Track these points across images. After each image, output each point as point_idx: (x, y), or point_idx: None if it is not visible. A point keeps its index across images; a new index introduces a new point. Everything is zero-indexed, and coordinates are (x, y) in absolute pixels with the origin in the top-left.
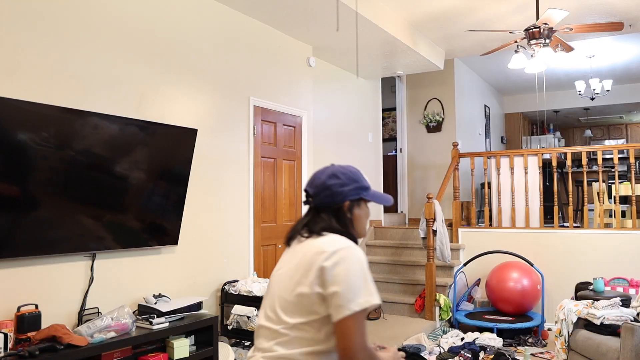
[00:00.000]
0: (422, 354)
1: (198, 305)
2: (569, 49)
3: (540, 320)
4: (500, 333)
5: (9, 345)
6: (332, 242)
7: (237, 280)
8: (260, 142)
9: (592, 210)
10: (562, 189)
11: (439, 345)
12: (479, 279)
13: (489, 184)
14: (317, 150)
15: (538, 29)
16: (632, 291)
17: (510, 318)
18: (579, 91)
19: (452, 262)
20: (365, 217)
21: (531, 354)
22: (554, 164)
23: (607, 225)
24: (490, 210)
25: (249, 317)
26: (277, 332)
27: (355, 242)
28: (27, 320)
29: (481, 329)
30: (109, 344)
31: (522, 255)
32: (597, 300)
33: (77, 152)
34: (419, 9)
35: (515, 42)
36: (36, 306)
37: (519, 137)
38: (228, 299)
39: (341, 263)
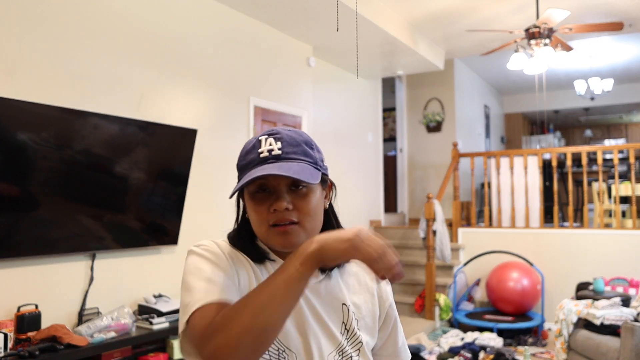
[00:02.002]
0: (422, 354)
1: None
2: (569, 48)
3: (540, 320)
4: (500, 333)
5: (9, 345)
6: None
7: None
8: None
9: (592, 210)
10: (562, 188)
11: (439, 345)
12: (479, 279)
13: (489, 183)
14: None
15: (538, 29)
16: (632, 291)
17: (510, 318)
18: (579, 92)
19: (452, 262)
20: (254, 212)
21: (531, 354)
22: (554, 164)
23: (607, 225)
24: (490, 210)
25: None
26: None
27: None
28: (27, 320)
29: (481, 329)
30: (109, 344)
31: (522, 255)
32: (597, 300)
33: (77, 152)
34: (419, 9)
35: (515, 42)
36: (36, 306)
37: (519, 137)
38: None
39: None
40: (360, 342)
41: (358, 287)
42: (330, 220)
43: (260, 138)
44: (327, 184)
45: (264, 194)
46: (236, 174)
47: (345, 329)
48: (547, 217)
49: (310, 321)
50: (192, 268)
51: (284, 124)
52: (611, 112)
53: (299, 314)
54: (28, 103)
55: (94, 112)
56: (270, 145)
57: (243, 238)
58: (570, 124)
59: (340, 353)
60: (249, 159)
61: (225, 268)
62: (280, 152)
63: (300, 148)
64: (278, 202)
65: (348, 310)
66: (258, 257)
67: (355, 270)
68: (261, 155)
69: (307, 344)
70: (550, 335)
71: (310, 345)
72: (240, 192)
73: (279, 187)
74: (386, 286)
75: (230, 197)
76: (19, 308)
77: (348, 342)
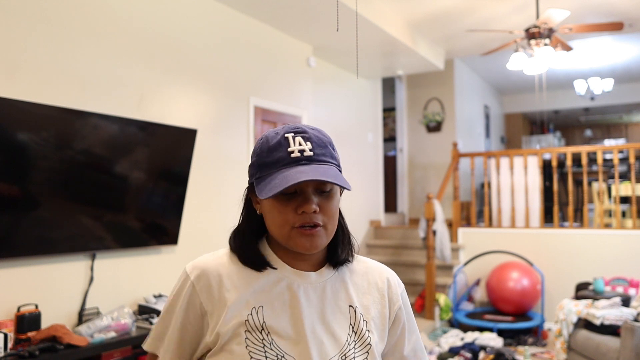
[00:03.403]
0: None
1: None
2: (569, 48)
3: (540, 320)
4: (500, 333)
5: (9, 345)
6: None
7: None
8: None
9: (592, 210)
10: (562, 188)
11: (439, 345)
12: (479, 279)
13: (489, 183)
14: None
15: (538, 29)
16: (632, 291)
17: (510, 318)
18: (579, 92)
19: (452, 262)
20: (278, 212)
21: (531, 354)
22: (554, 164)
23: (607, 225)
24: (490, 210)
25: None
26: None
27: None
28: (27, 320)
29: (481, 329)
30: (109, 344)
31: (522, 255)
32: (597, 300)
33: (77, 152)
34: (419, 9)
35: (515, 42)
36: (36, 306)
37: (519, 137)
38: None
39: None
40: (369, 344)
41: (367, 287)
42: (339, 221)
43: (286, 135)
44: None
45: (289, 195)
46: (236, 173)
47: (353, 331)
48: (547, 217)
49: (314, 324)
50: (170, 298)
51: (284, 124)
52: (611, 112)
53: (300, 318)
54: (28, 103)
55: (94, 112)
56: (300, 145)
57: (247, 238)
58: (570, 124)
59: (343, 357)
60: (276, 157)
61: (186, 320)
62: (312, 153)
63: (327, 150)
64: (307, 205)
65: (355, 311)
66: (258, 264)
67: (365, 270)
68: (292, 155)
69: (306, 349)
70: (550, 335)
71: (309, 351)
72: (250, 187)
73: (307, 189)
74: (397, 288)
75: (266, 197)
76: (19, 308)
77: (356, 344)
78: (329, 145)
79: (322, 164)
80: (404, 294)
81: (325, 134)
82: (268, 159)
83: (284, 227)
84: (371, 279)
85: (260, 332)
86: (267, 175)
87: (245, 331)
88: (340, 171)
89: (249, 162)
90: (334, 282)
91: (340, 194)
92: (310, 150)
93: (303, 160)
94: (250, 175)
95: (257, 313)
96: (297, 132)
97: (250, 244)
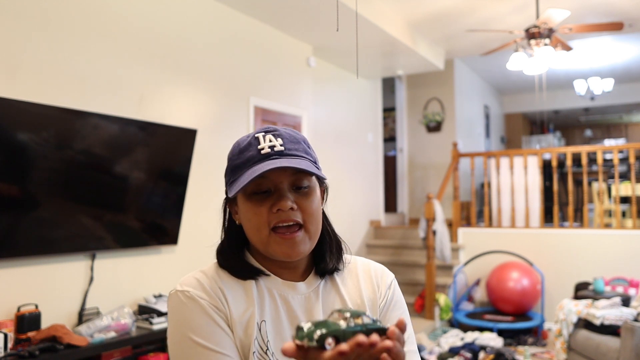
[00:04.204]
0: (422, 354)
1: None
2: (569, 48)
3: (540, 320)
4: (500, 333)
5: (9, 345)
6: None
7: None
8: None
9: (592, 210)
10: (562, 188)
11: (439, 345)
12: (479, 279)
13: (489, 183)
14: (317, 150)
15: (538, 29)
16: (632, 291)
17: (510, 318)
18: (579, 93)
19: (452, 262)
20: (253, 214)
21: (531, 354)
22: (554, 164)
23: (607, 225)
24: (490, 210)
25: None
26: None
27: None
28: (27, 320)
29: (481, 329)
30: (109, 344)
31: (522, 255)
32: (597, 300)
33: (77, 152)
34: (419, 9)
35: (515, 42)
36: (36, 306)
37: (519, 137)
38: None
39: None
40: None
41: (358, 284)
42: (325, 226)
43: (256, 135)
44: (323, 187)
45: (263, 195)
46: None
47: None
48: (547, 217)
49: None
50: (187, 326)
51: (284, 124)
52: (611, 112)
53: (287, 331)
54: (28, 103)
55: (94, 112)
56: (270, 141)
57: (232, 252)
58: (570, 124)
59: None
60: (246, 157)
61: (220, 332)
62: (283, 148)
63: (300, 145)
64: (282, 201)
65: None
66: (248, 275)
67: (357, 272)
68: (262, 152)
69: None
70: (550, 335)
71: None
72: (228, 198)
73: (281, 186)
74: (387, 277)
75: (232, 195)
76: (19, 308)
77: None
78: (303, 142)
79: (294, 157)
80: (394, 283)
81: (299, 133)
82: (238, 160)
83: (261, 230)
84: (361, 274)
85: (266, 353)
86: (239, 176)
87: (253, 353)
88: (318, 168)
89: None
90: (326, 290)
91: (324, 198)
92: (282, 145)
93: (274, 155)
94: (225, 183)
95: (259, 330)
96: (267, 131)
97: (237, 255)
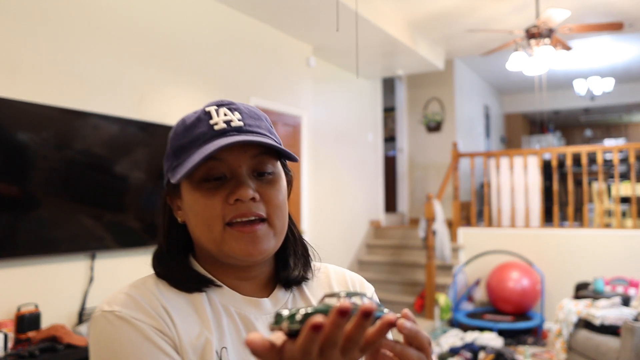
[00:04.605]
0: None
1: None
2: (568, 48)
3: (540, 320)
4: (501, 333)
5: (9, 345)
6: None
7: None
8: None
9: (592, 210)
10: (562, 188)
11: (439, 345)
12: (479, 279)
13: (489, 183)
14: (317, 150)
15: (538, 29)
16: (632, 291)
17: (510, 318)
18: (579, 93)
19: (452, 262)
20: (203, 207)
21: (531, 354)
22: (554, 164)
23: (607, 225)
24: (490, 210)
25: None
26: None
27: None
28: (27, 320)
29: (481, 329)
30: None
31: (522, 255)
32: (597, 300)
33: (77, 152)
34: (419, 9)
35: (515, 42)
36: (36, 306)
37: (519, 137)
38: None
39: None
40: None
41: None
42: (289, 225)
43: (207, 109)
44: (288, 177)
45: (216, 183)
46: None
47: None
48: (547, 217)
49: None
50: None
51: (284, 124)
52: (611, 112)
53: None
54: (28, 103)
55: (94, 112)
56: (226, 115)
57: (173, 258)
58: (570, 124)
59: None
60: (194, 135)
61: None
62: (241, 123)
63: (263, 123)
64: (242, 189)
65: None
66: (195, 286)
67: (330, 281)
68: (215, 128)
69: None
70: (550, 335)
71: None
72: (170, 189)
73: (239, 171)
74: (368, 289)
75: (175, 181)
76: (19, 308)
77: None
78: (265, 120)
79: (256, 135)
80: (375, 296)
81: (260, 111)
82: (184, 139)
83: (213, 227)
84: (334, 283)
85: None
86: (185, 159)
87: None
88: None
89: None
90: (294, 304)
91: (288, 195)
92: (240, 120)
93: (231, 131)
94: (166, 170)
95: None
96: (221, 105)
97: (180, 261)
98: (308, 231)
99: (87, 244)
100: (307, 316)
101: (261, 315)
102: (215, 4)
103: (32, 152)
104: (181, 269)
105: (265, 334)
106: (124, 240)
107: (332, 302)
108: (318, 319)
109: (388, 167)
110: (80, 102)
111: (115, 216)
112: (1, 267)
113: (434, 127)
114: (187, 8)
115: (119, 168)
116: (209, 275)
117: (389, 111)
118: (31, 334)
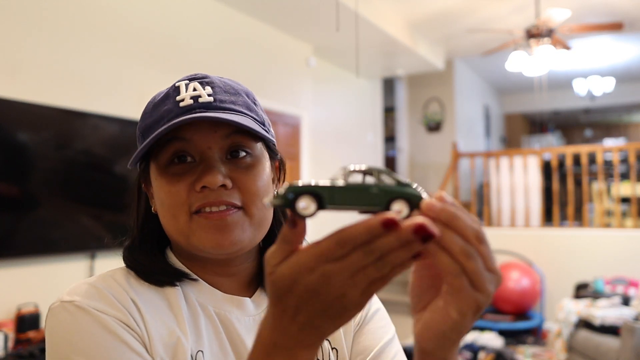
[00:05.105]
0: None
1: None
2: (568, 48)
3: (540, 320)
4: (501, 333)
5: (9, 345)
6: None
7: None
8: None
9: (592, 209)
10: (562, 188)
11: None
12: None
13: (489, 183)
14: (316, 150)
15: (538, 29)
16: (632, 291)
17: (510, 318)
18: (579, 93)
19: None
20: (167, 194)
21: (531, 354)
22: (554, 164)
23: (607, 225)
24: (490, 210)
25: None
26: None
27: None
28: (27, 320)
29: (481, 329)
30: None
31: (522, 255)
32: (597, 300)
33: (77, 152)
34: (419, 9)
35: (515, 42)
36: (36, 306)
37: (519, 137)
38: None
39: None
40: None
41: None
42: (279, 219)
43: (177, 84)
44: (275, 161)
45: (183, 166)
46: None
47: None
48: (547, 217)
49: None
50: (69, 346)
51: (284, 124)
52: (611, 112)
53: None
54: (28, 104)
55: (94, 113)
56: (195, 90)
57: (148, 246)
58: (570, 124)
59: None
60: (160, 112)
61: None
62: (211, 99)
63: (240, 98)
64: (208, 175)
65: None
66: (167, 278)
67: None
68: (181, 105)
69: None
70: (550, 335)
71: None
72: (143, 173)
73: (209, 153)
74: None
75: (132, 165)
76: (19, 308)
77: None
78: (245, 95)
79: (227, 112)
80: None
81: (243, 86)
82: (150, 119)
83: (178, 217)
84: None
85: None
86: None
87: None
88: (268, 131)
89: None
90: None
91: (280, 178)
92: (210, 95)
93: (198, 108)
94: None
95: None
96: (193, 79)
97: (153, 254)
98: (307, 231)
99: (87, 244)
100: (293, 192)
101: (242, 317)
102: (215, 4)
103: (32, 152)
104: (152, 261)
105: (247, 337)
106: (124, 240)
107: (338, 181)
108: (306, 202)
109: (388, 167)
110: (80, 102)
111: (115, 216)
112: (1, 267)
113: (434, 127)
114: (187, 8)
115: (119, 168)
116: (184, 268)
117: (389, 111)
118: (31, 334)
